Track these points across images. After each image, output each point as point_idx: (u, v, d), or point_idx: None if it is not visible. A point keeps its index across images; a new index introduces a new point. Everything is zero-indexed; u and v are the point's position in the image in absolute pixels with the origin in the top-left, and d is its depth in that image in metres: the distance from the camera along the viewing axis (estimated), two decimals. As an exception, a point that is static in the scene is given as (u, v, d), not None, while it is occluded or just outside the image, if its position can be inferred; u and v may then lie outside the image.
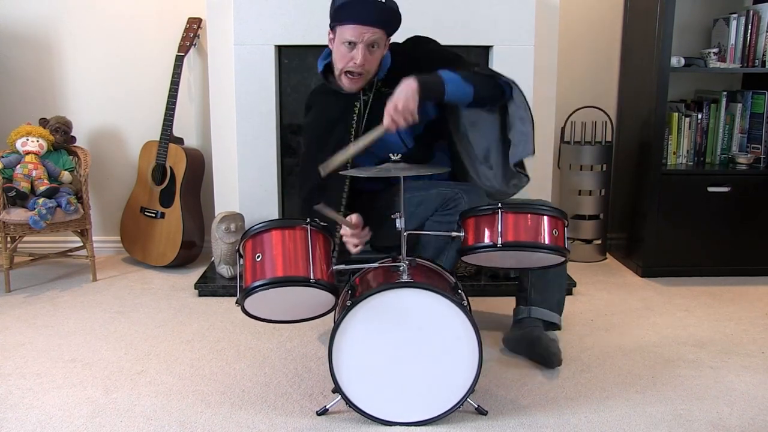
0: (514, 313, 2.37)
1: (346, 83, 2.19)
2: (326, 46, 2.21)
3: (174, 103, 3.24)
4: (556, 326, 2.36)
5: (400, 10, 2.17)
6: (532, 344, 2.24)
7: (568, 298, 2.89)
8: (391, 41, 2.24)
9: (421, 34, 2.40)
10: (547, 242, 1.87)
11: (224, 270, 3.03)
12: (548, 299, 2.32)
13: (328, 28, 2.21)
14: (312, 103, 2.39)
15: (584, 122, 3.47)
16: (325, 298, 1.86)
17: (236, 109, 3.07)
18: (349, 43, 2.10)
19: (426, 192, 2.22)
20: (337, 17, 2.11)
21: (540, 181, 3.16)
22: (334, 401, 1.92)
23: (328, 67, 2.28)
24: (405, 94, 1.94)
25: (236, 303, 1.84)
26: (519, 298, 2.36)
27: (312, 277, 1.77)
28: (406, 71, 2.05)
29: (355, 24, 2.08)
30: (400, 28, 2.22)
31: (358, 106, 2.25)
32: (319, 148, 2.22)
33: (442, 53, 2.34)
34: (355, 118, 2.24)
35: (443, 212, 2.17)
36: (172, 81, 3.24)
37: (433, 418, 1.86)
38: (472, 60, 2.32)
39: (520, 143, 2.16)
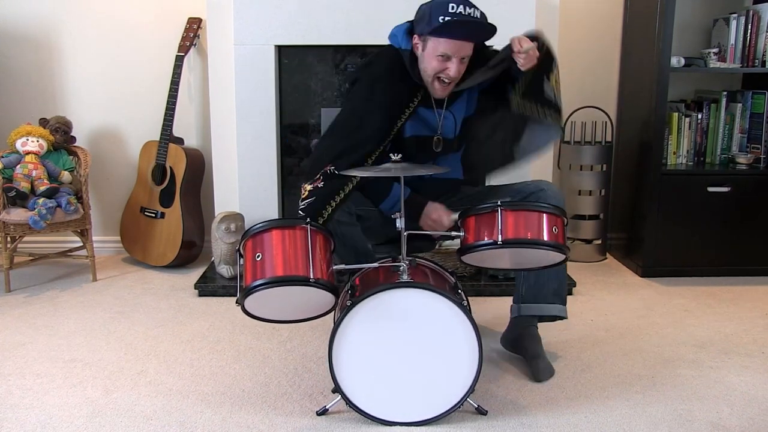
0: (510, 311, 2.36)
1: (438, 89, 2.17)
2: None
3: (174, 103, 3.24)
4: (557, 318, 2.28)
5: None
6: (525, 351, 2.25)
7: (568, 298, 2.90)
8: None
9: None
10: (546, 239, 1.88)
11: (224, 270, 3.03)
12: (541, 292, 2.26)
13: (415, 35, 2.14)
14: (376, 80, 2.26)
15: (584, 122, 3.47)
16: (325, 298, 1.86)
17: (236, 109, 3.07)
18: (444, 55, 2.08)
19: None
20: (435, 32, 2.06)
21: (540, 181, 3.16)
22: (334, 401, 1.92)
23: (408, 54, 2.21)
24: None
25: (236, 303, 1.84)
26: (514, 295, 2.35)
27: (312, 277, 1.77)
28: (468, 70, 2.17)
29: (453, 40, 2.05)
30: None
31: (418, 98, 2.22)
32: (379, 124, 2.18)
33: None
34: (411, 108, 2.22)
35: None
36: (172, 81, 3.24)
37: (433, 418, 1.86)
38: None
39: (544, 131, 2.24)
